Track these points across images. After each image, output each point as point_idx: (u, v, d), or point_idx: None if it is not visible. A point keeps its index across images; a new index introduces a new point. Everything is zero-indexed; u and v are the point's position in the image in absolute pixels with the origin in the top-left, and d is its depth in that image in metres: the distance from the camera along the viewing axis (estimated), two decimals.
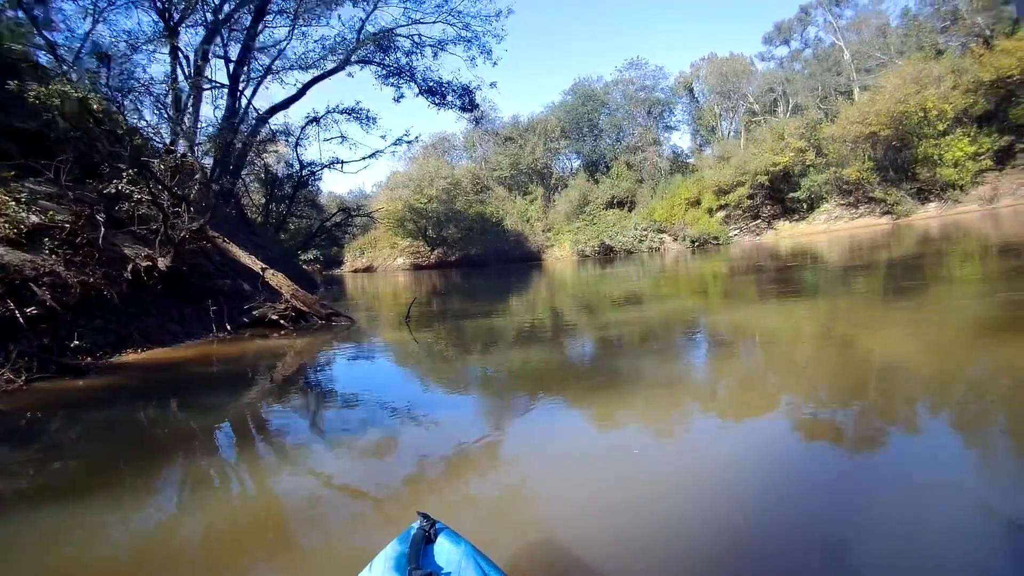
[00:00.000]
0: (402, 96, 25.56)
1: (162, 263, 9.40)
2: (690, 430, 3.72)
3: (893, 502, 2.39)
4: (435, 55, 24.71)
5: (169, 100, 17.43)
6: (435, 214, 42.57)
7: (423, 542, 1.47)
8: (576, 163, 51.26)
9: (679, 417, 3.94)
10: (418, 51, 24.29)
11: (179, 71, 18.74)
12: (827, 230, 31.38)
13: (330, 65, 23.25)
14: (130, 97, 14.35)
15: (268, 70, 22.83)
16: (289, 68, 23.29)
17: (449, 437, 3.86)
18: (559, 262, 36.31)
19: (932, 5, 35.05)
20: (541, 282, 20.82)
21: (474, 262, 39.04)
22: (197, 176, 11.45)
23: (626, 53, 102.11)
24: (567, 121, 48.42)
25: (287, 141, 26.03)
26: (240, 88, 21.41)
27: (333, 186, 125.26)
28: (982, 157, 26.92)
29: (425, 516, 1.56)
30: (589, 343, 7.68)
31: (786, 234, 33.42)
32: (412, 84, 25.03)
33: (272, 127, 24.51)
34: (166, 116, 16.36)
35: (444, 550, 1.46)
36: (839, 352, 5.43)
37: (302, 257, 51.28)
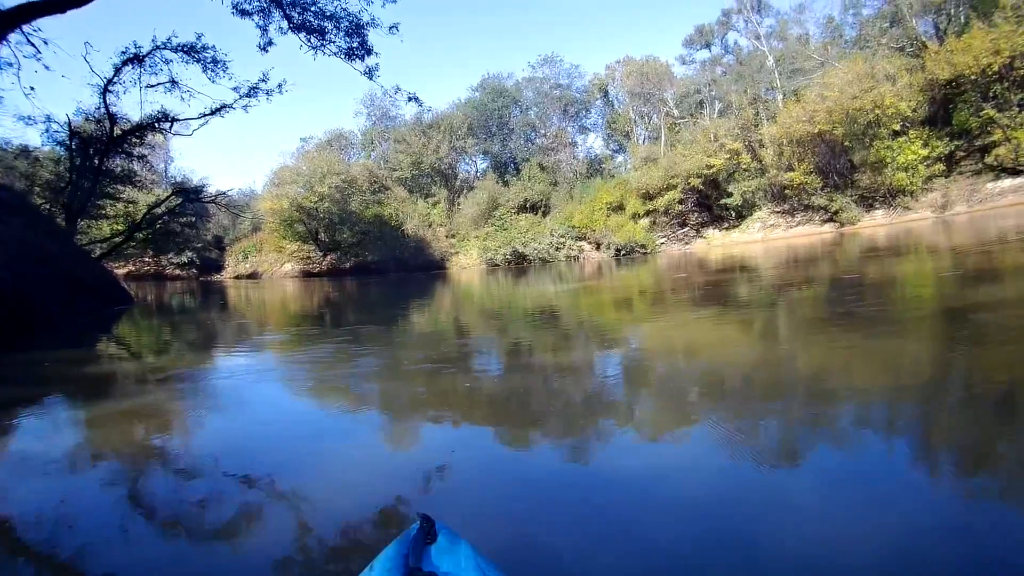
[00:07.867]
0: (270, 42, 18.19)
1: None
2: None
3: None
4: None
5: None
6: (327, 215, 37.65)
7: (423, 542, 1.40)
8: (483, 164, 47.58)
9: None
10: None
11: None
12: (764, 239, 28.74)
13: None
14: None
15: None
16: None
17: None
18: (465, 271, 32.61)
19: (854, 14, 34.28)
20: (447, 297, 17.00)
21: (371, 270, 34.86)
22: None
23: (538, 51, 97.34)
24: (475, 119, 44.75)
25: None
26: None
27: (220, 182, 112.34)
28: (931, 162, 24.88)
29: (425, 517, 1.48)
30: None
31: (717, 243, 30.78)
32: (279, 16, 17.76)
33: (29, 37, 16.24)
34: None
35: (444, 550, 1.39)
36: None
37: (173, 261, 42.03)
